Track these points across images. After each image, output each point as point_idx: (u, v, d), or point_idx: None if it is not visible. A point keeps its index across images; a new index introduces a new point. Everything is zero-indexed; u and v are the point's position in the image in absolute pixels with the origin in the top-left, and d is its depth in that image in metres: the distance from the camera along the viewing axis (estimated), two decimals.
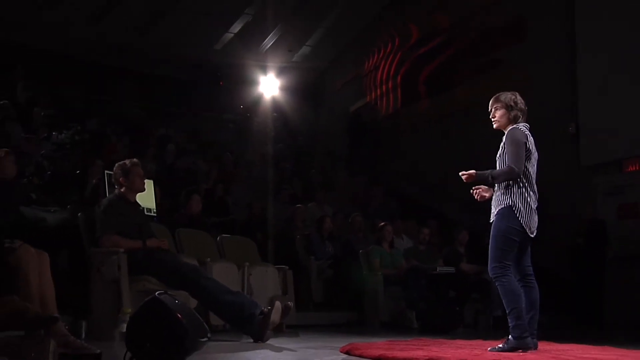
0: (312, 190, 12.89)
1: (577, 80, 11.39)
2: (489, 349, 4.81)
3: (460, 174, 5.03)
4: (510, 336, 4.77)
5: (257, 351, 4.95)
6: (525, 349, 4.67)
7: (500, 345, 4.78)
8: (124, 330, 3.95)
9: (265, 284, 7.46)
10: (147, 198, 7.15)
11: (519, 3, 12.83)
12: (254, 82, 16.84)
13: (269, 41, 16.61)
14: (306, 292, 9.15)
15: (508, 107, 5.04)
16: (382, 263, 9.29)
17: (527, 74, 11.70)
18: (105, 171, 7.19)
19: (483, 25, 13.62)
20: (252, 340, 5.48)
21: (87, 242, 6.17)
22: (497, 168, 5.02)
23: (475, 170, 4.99)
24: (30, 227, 6.47)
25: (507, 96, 5.08)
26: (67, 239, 6.67)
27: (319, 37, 17.14)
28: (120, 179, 6.14)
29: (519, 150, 4.88)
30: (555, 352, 4.83)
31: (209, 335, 3.93)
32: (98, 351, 3.81)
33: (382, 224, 9.81)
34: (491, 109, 5.13)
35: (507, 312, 4.84)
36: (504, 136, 5.01)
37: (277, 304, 5.64)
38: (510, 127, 4.99)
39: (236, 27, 16.13)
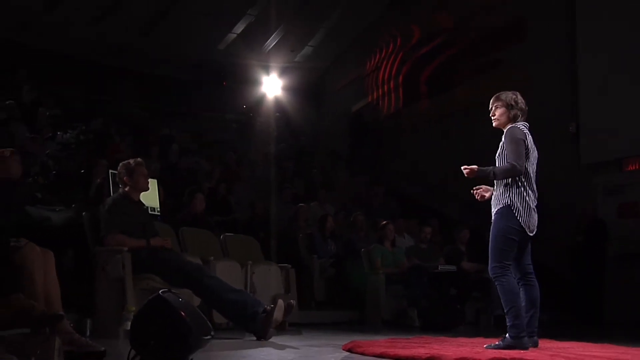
0: (314, 189, 12.91)
1: (577, 80, 11.41)
2: (485, 346, 4.82)
3: (462, 168, 5.04)
4: (507, 335, 4.77)
5: (260, 349, 4.96)
6: (521, 348, 4.64)
7: (497, 343, 4.79)
8: (128, 328, 3.92)
9: (268, 282, 7.46)
10: (151, 197, 7.16)
11: (519, 3, 12.82)
12: (256, 82, 16.87)
13: (271, 41, 16.63)
14: (308, 291, 9.16)
15: (508, 106, 5.05)
16: (384, 262, 9.31)
17: (528, 73, 11.70)
18: (110, 170, 7.21)
19: (483, 26, 13.62)
20: (255, 338, 5.49)
21: (92, 241, 6.20)
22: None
23: (477, 166, 5.00)
24: (35, 226, 6.45)
25: (508, 95, 5.10)
26: (72, 237, 6.69)
27: (321, 37, 17.16)
28: (125, 179, 6.17)
29: (519, 147, 4.88)
30: (555, 350, 4.83)
31: (212, 333, 3.91)
32: (102, 349, 3.84)
33: (384, 223, 9.81)
34: (491, 108, 5.15)
35: (505, 311, 4.84)
36: (503, 135, 5.03)
37: (280, 302, 5.66)
38: (509, 126, 5.01)
39: (239, 28, 16.16)
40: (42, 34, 14.01)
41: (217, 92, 17.03)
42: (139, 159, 6.32)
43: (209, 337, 3.87)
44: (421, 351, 4.46)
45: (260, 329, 5.48)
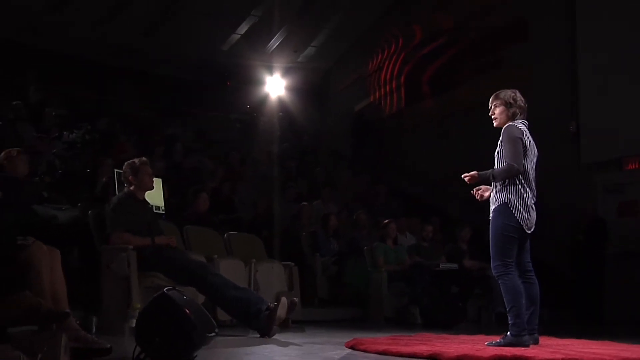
0: (317, 188, 12.94)
1: (577, 80, 11.41)
2: (486, 343, 4.84)
3: (462, 176, 5.07)
4: (508, 332, 4.81)
5: (264, 346, 5.00)
6: (522, 346, 4.65)
7: (498, 340, 4.81)
8: (134, 325, 3.93)
9: (271, 280, 7.49)
10: (155, 196, 7.19)
11: (520, 3, 12.80)
12: (260, 82, 16.86)
13: (274, 42, 16.63)
14: (311, 288, 9.22)
15: (507, 105, 5.07)
16: (386, 260, 9.36)
17: (528, 73, 11.69)
18: (115, 170, 7.22)
19: (484, 26, 13.61)
20: (258, 335, 5.54)
21: (98, 239, 6.25)
22: (496, 165, 5.04)
23: (477, 171, 5.02)
24: (42, 225, 6.48)
25: (507, 93, 5.11)
26: (78, 236, 6.73)
27: (323, 38, 17.16)
28: (130, 178, 6.22)
29: (516, 146, 4.89)
30: (555, 347, 4.85)
31: (216, 330, 3.94)
32: (108, 345, 3.88)
33: (386, 221, 9.85)
34: (491, 107, 5.17)
35: (507, 309, 4.87)
36: (501, 133, 5.04)
37: (283, 299, 5.71)
38: (507, 125, 5.02)
39: (243, 28, 16.16)
40: (48, 35, 14.03)
41: (221, 92, 17.03)
42: (143, 159, 6.36)
43: (213, 334, 3.89)
44: (423, 348, 4.49)
45: (263, 326, 5.52)
